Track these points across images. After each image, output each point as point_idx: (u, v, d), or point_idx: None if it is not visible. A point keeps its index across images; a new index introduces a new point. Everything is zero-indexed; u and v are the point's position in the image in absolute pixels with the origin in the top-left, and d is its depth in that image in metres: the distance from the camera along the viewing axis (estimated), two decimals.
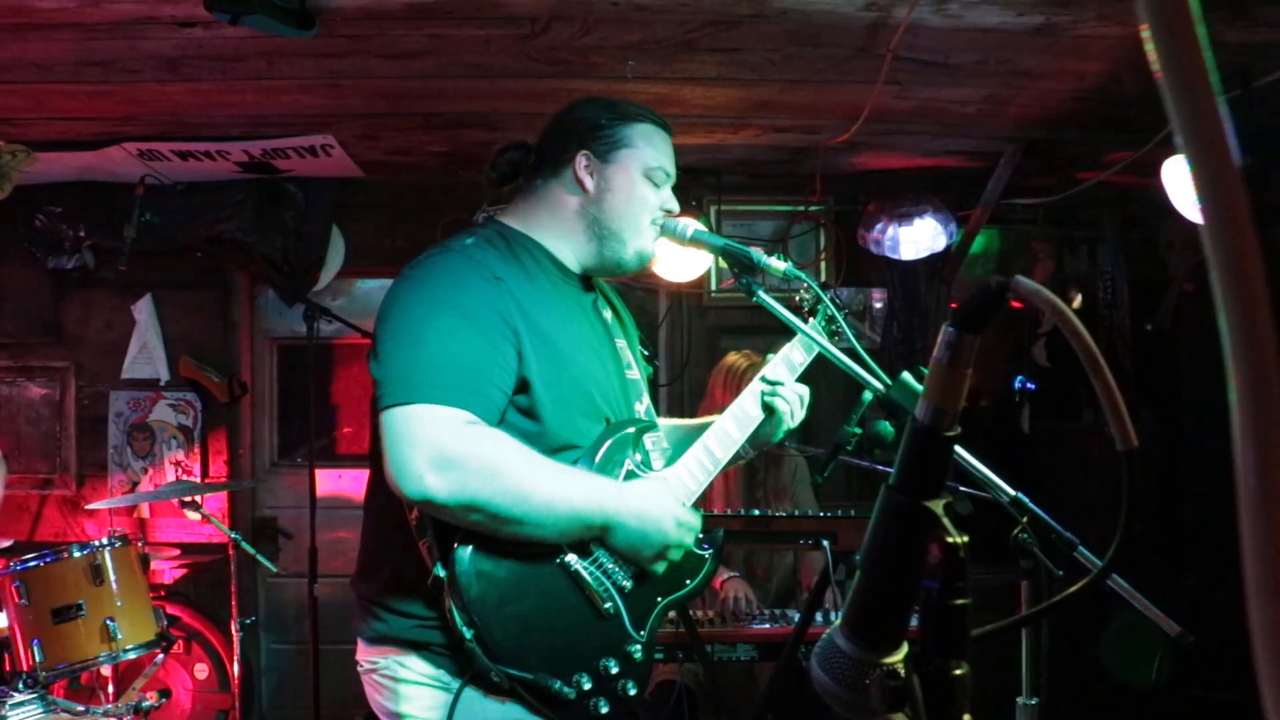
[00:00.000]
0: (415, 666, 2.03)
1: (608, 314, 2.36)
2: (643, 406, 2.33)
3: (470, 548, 1.91)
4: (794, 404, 2.40)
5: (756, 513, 3.67)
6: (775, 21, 3.23)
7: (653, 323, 5.41)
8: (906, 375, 1.94)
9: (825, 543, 3.37)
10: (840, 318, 2.52)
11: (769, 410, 2.37)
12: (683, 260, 4.59)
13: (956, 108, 4.11)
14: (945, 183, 5.11)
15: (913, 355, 5.14)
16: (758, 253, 2.23)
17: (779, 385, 2.37)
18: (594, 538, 2.03)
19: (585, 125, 2.22)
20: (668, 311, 5.44)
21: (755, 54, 3.51)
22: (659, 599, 2.13)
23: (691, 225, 2.28)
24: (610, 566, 2.06)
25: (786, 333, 2.34)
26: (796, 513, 3.86)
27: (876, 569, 1.09)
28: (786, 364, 2.44)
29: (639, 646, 2.07)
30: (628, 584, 2.07)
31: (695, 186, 5.21)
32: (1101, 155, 4.59)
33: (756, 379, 2.40)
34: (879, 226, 5.02)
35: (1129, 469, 0.98)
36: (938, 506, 1.05)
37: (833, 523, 3.46)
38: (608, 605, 2.03)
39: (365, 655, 2.12)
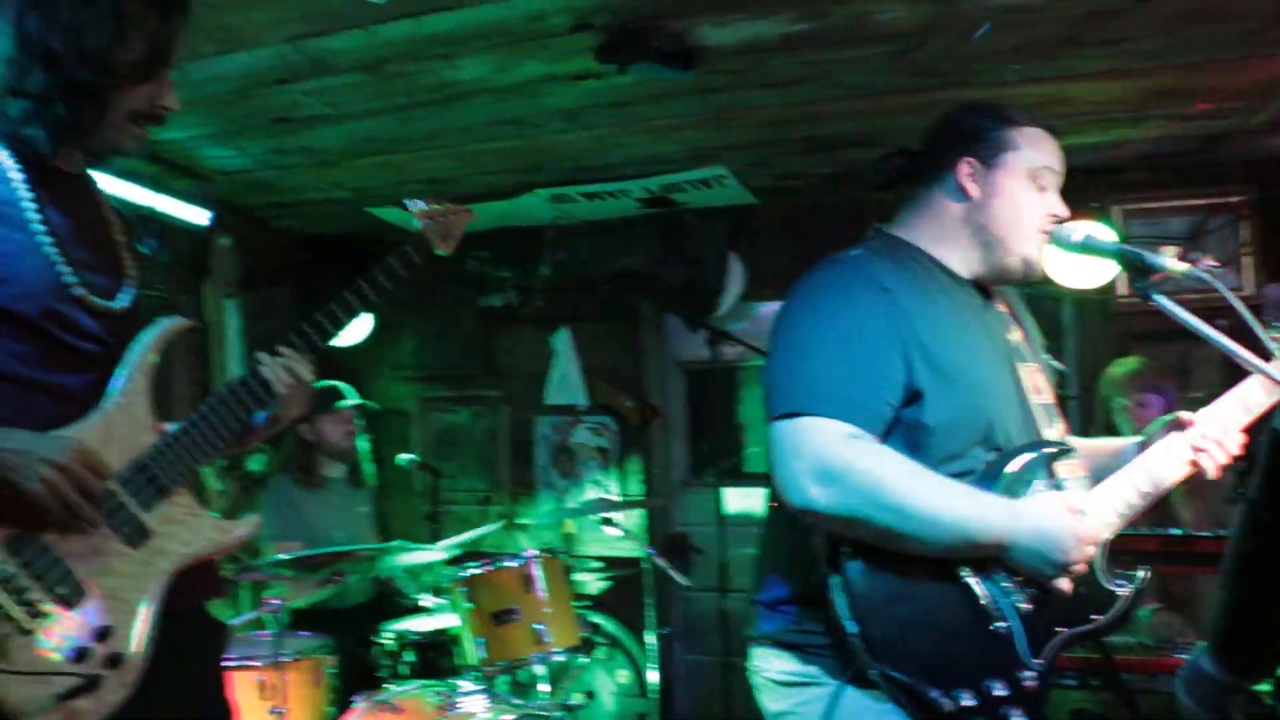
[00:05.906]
0: (791, 666, 2.06)
1: (1014, 335, 2.26)
2: (1055, 432, 2.19)
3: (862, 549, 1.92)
4: (1214, 462, 2.14)
5: (1177, 532, 3.38)
6: (1166, 2, 3.02)
7: (1058, 332, 5.15)
8: None
9: None
10: None
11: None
12: (1084, 266, 4.34)
13: None
14: None
15: None
16: (1151, 254, 2.08)
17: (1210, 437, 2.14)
18: (988, 556, 1.96)
19: (968, 131, 2.17)
20: (1074, 320, 5.16)
21: (1147, 40, 3.29)
22: (1059, 629, 2.00)
23: (1081, 230, 2.16)
24: (1007, 585, 1.97)
25: (1199, 338, 2.09)
26: (1222, 532, 3.51)
27: (1241, 590, 1.02)
28: (1241, 405, 2.17)
29: (1032, 675, 1.94)
30: (1025, 606, 1.97)
31: (1093, 187, 4.90)
32: None
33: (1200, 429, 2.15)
34: None
35: None
36: None
37: None
38: (999, 625, 1.94)
39: (753, 658, 2.17)
